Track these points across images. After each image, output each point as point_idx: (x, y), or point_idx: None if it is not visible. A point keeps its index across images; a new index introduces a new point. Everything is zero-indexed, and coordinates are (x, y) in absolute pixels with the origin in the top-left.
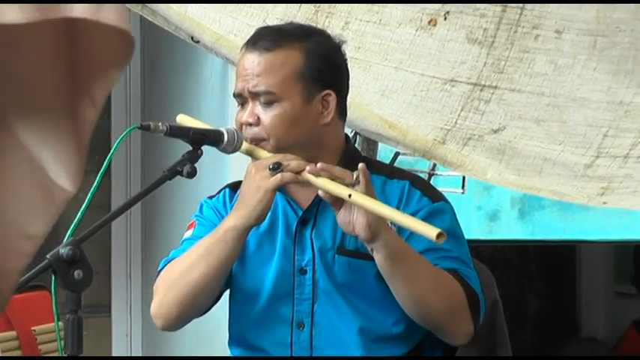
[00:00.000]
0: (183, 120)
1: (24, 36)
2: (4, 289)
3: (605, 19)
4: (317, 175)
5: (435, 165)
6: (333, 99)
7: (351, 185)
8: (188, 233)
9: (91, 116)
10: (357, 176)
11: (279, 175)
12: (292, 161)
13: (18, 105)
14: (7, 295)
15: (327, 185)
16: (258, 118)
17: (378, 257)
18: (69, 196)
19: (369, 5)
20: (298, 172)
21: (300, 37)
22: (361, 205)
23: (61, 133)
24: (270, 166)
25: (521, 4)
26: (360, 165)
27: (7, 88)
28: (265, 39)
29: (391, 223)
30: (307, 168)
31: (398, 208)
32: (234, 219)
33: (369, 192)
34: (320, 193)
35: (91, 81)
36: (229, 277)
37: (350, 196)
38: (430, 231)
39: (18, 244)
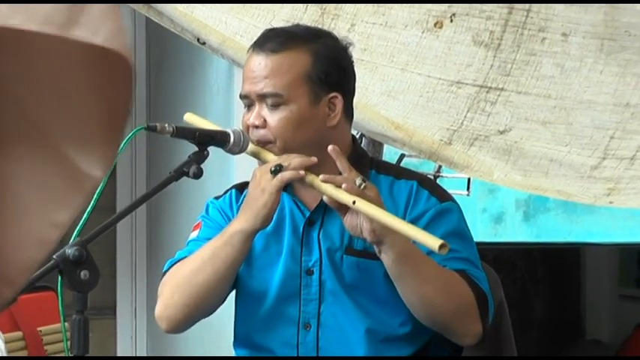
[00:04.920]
0: (191, 119)
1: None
2: (19, 279)
3: (613, 23)
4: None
5: (440, 167)
6: (339, 101)
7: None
8: (194, 234)
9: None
10: (361, 183)
11: (279, 175)
12: (294, 160)
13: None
14: (19, 286)
15: (332, 191)
16: (265, 120)
17: (386, 259)
18: (98, 182)
19: (375, 7)
20: (301, 169)
21: (308, 39)
22: (365, 212)
23: (87, 119)
24: (272, 169)
25: (527, 6)
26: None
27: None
28: (272, 41)
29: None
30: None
31: (406, 208)
32: (241, 223)
33: (374, 200)
34: (325, 198)
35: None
36: (235, 279)
37: (354, 202)
38: (433, 242)
39: (44, 232)
